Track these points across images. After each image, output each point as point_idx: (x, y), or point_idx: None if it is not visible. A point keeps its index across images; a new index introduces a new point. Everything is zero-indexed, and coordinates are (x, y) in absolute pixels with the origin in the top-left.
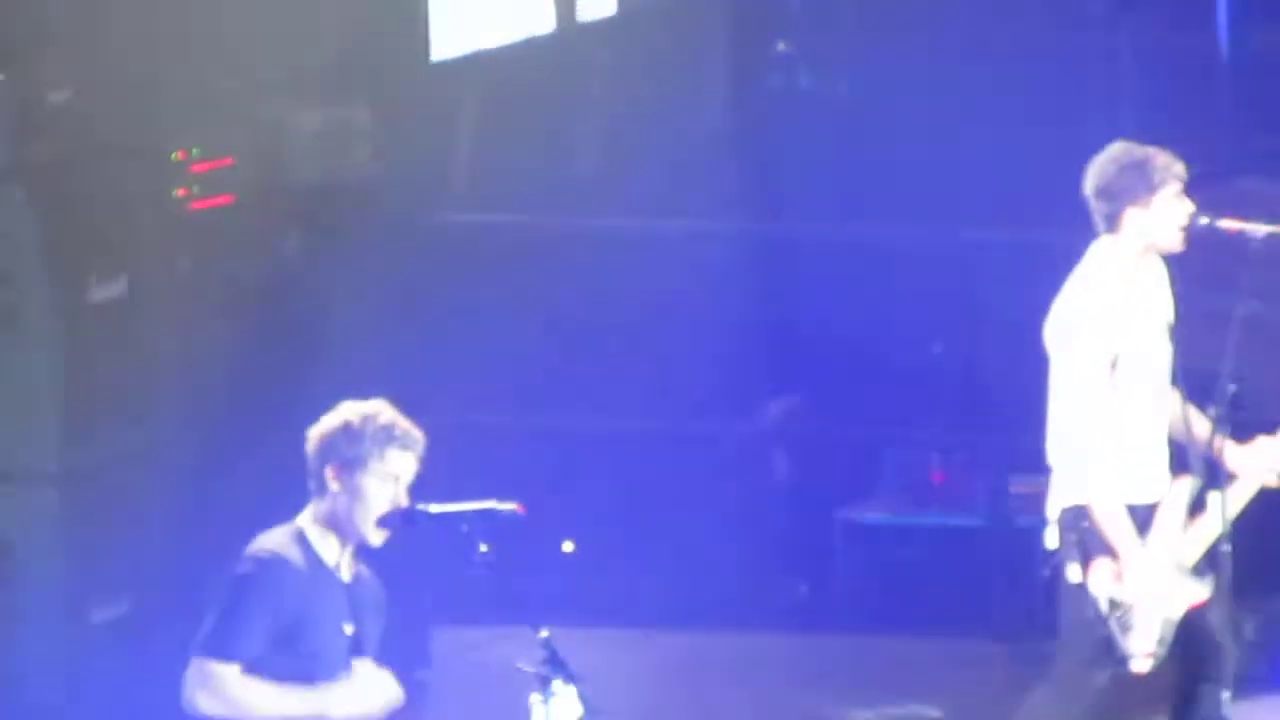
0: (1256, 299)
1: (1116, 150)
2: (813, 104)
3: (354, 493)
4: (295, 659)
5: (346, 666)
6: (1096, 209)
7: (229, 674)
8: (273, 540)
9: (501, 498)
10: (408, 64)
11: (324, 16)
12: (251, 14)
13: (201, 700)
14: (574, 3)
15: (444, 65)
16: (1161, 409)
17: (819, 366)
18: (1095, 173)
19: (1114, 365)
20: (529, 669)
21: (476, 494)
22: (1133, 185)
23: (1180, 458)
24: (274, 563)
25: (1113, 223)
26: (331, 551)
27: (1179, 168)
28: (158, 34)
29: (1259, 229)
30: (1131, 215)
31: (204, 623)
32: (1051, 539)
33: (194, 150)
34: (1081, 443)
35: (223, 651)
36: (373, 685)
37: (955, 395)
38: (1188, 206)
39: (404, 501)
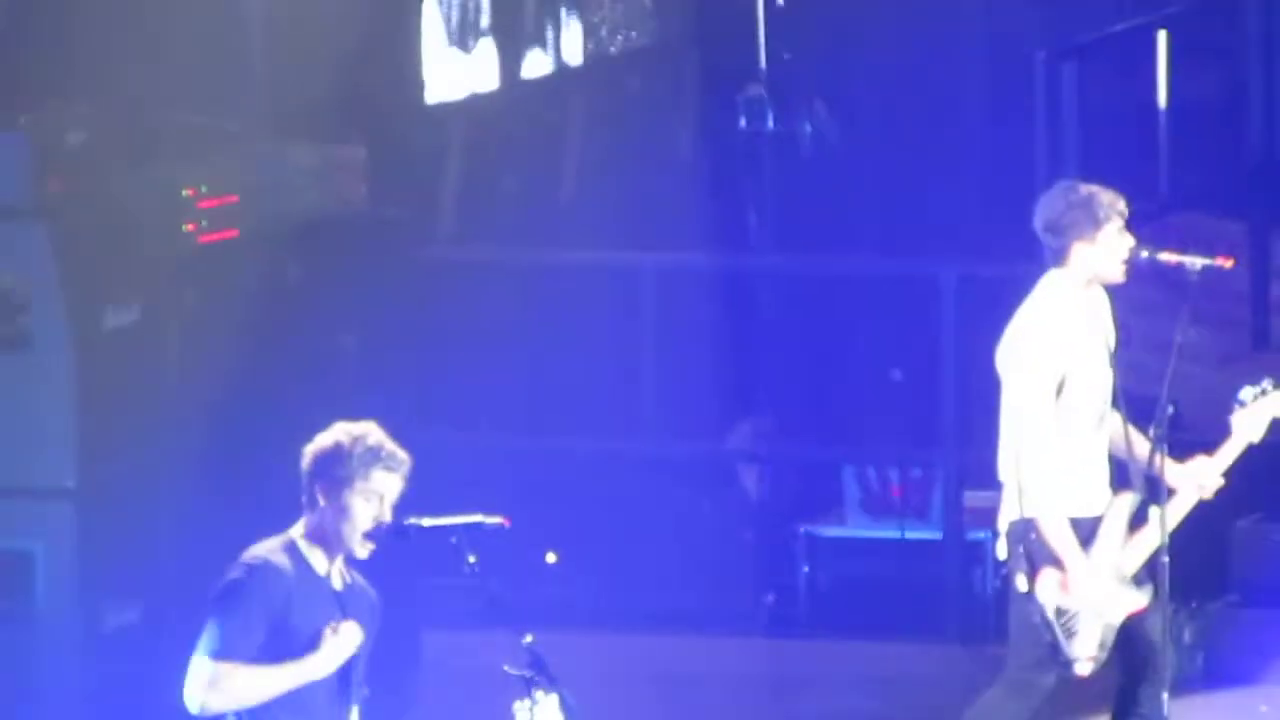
0: (1194, 327)
1: (1063, 189)
2: (779, 143)
3: (340, 509)
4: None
5: (348, 680)
6: (1046, 242)
7: (226, 669)
8: (264, 549)
9: (489, 511)
10: (400, 106)
11: (321, 64)
12: (254, 63)
13: (208, 698)
14: (556, 52)
15: (434, 107)
16: (1103, 429)
17: (789, 390)
18: (1044, 209)
19: (1060, 388)
20: (514, 672)
21: (465, 508)
22: (1079, 221)
23: (1121, 474)
24: (266, 569)
25: (1060, 257)
26: (321, 562)
27: (1121, 205)
28: (167, 81)
29: (1196, 261)
30: (1078, 249)
31: (204, 627)
32: (1001, 550)
33: (202, 188)
34: (1029, 460)
35: (221, 653)
36: (342, 634)
37: (913, 416)
38: (1129, 241)
39: (388, 518)
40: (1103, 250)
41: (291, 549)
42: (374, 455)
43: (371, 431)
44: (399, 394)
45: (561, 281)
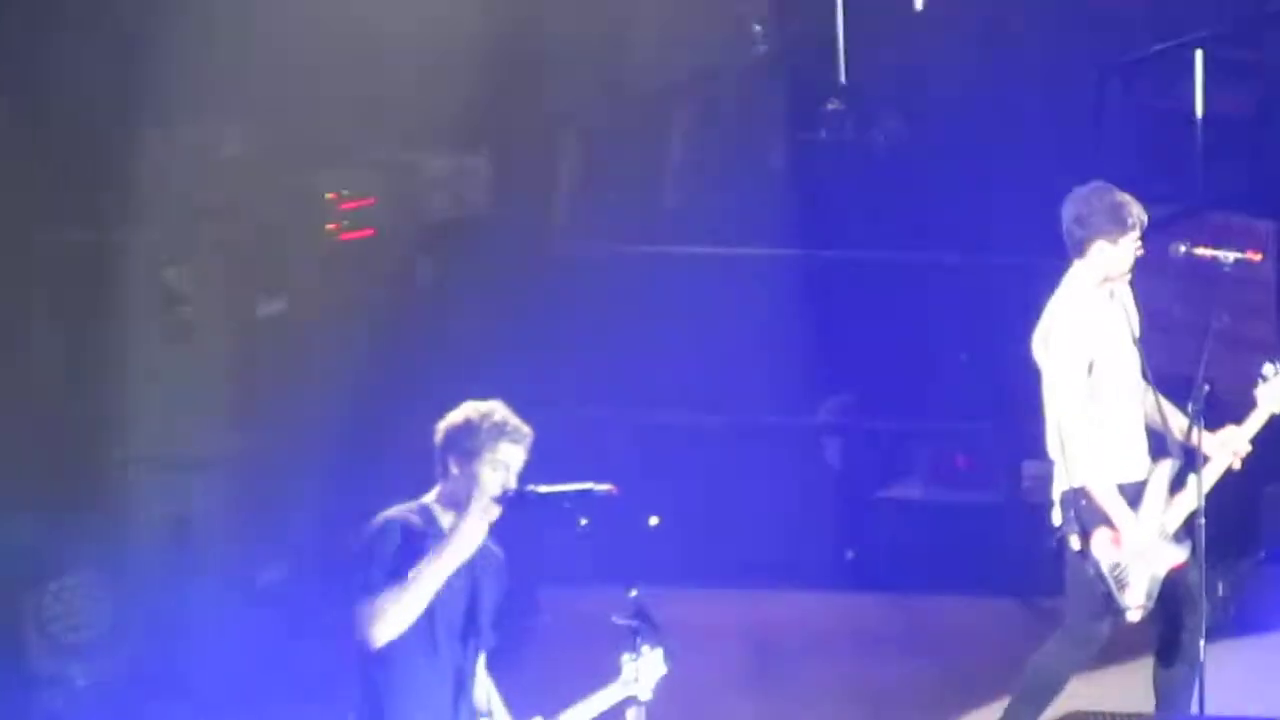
0: (1227, 313)
1: (1098, 190)
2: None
3: (470, 477)
4: (427, 627)
5: (472, 628)
6: (1071, 234)
7: (379, 602)
8: (398, 511)
9: (599, 480)
10: (522, 119)
11: (451, 80)
12: (390, 79)
13: (377, 632)
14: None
15: (554, 116)
16: (1136, 404)
17: (868, 370)
18: (1077, 205)
19: (1090, 369)
20: (621, 623)
21: (579, 477)
22: (1106, 222)
23: (1160, 445)
24: (404, 525)
25: (1081, 249)
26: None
27: (1144, 215)
28: (313, 97)
29: (1229, 255)
30: (1100, 246)
31: (352, 579)
32: (1056, 517)
33: (343, 192)
34: (1068, 433)
35: (373, 591)
36: (471, 519)
37: (977, 394)
38: (1140, 248)
39: (512, 485)
40: (1122, 251)
41: (424, 512)
42: (500, 429)
43: (497, 408)
44: (519, 374)
45: (668, 274)
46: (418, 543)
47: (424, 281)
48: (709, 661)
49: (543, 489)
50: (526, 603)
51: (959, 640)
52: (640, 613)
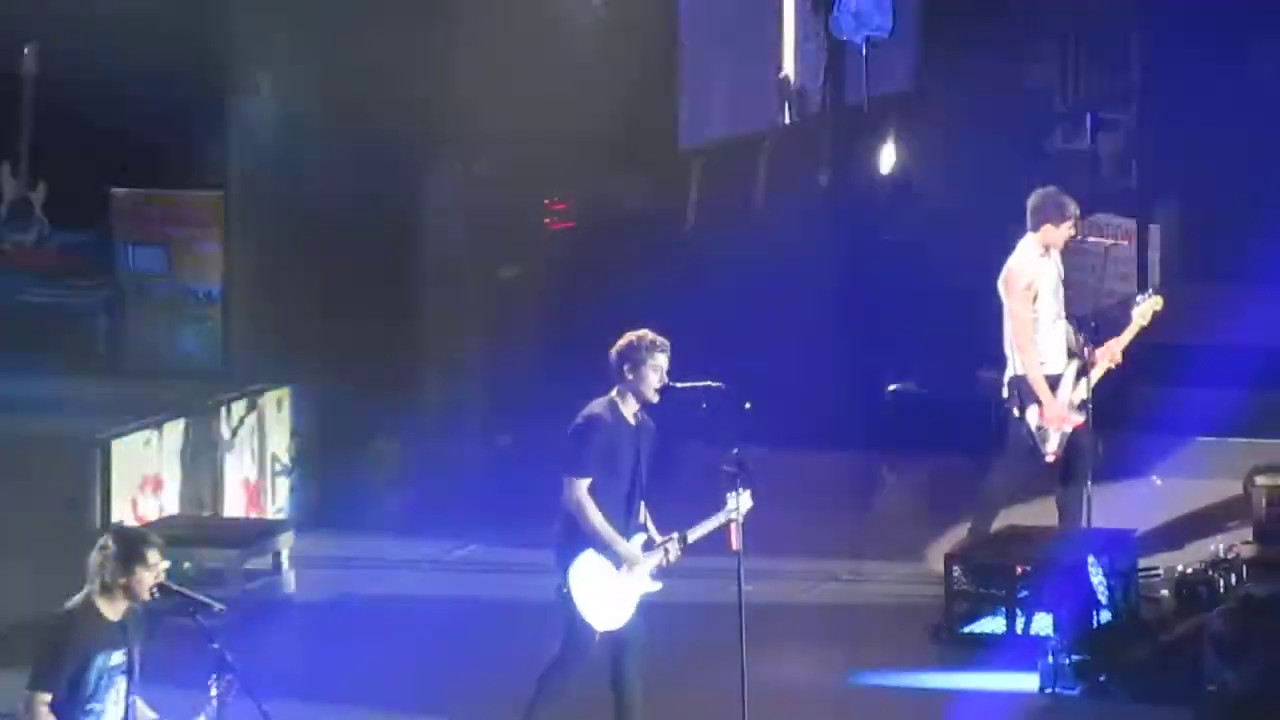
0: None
1: (1050, 190)
2: None
3: (640, 377)
4: (611, 475)
5: (637, 475)
6: (1030, 216)
7: (583, 485)
8: (597, 405)
9: (714, 379)
10: (663, 144)
11: (619, 123)
12: (581, 123)
13: (582, 501)
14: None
15: (687, 148)
16: (1059, 326)
17: (877, 321)
18: (1035, 198)
19: (1034, 300)
20: (728, 469)
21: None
22: (1051, 212)
23: (1069, 351)
24: (599, 416)
25: (1035, 226)
26: (629, 409)
27: (1078, 211)
28: (534, 134)
29: (1104, 241)
30: (1046, 227)
31: (567, 451)
32: (1005, 392)
33: (555, 195)
34: (1018, 341)
35: (581, 472)
36: None
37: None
38: (1074, 230)
39: (665, 380)
40: (1061, 231)
41: (610, 403)
42: (654, 345)
43: (647, 333)
44: (655, 316)
45: (766, 261)
46: (609, 429)
47: (601, 256)
48: (782, 496)
49: (679, 385)
50: (669, 459)
51: (939, 484)
52: (740, 463)
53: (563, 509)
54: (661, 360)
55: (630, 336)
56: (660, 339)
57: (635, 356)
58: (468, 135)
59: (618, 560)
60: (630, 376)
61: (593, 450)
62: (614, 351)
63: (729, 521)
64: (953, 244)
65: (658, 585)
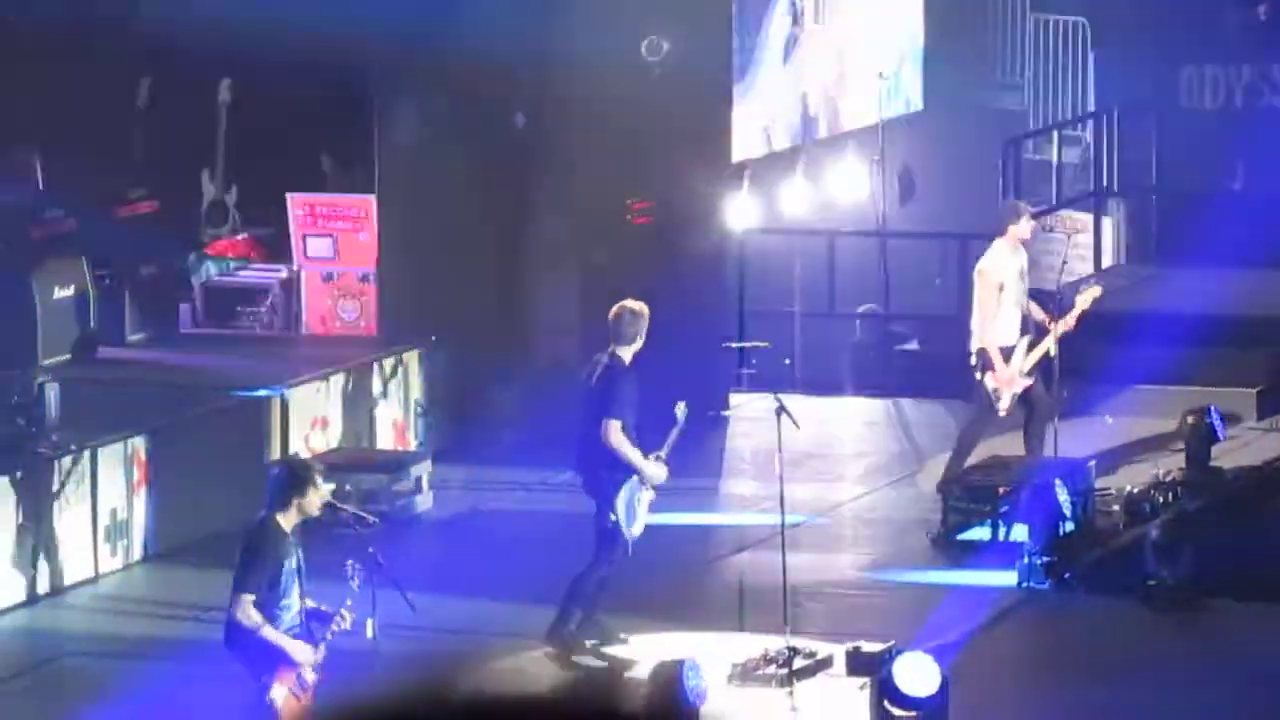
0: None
1: (1008, 201)
2: None
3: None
4: (634, 414)
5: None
6: (1000, 223)
7: (618, 425)
8: (623, 360)
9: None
10: (720, 156)
11: (679, 142)
12: (653, 140)
13: (613, 440)
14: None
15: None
16: (1018, 306)
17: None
18: (1001, 208)
19: (1000, 289)
20: (772, 409)
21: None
22: (1010, 215)
23: (1024, 326)
24: (633, 370)
25: (1002, 228)
26: (632, 356)
27: (1028, 206)
28: (619, 147)
29: (1068, 230)
30: (1010, 228)
31: (610, 401)
32: (973, 360)
33: (635, 197)
34: (983, 323)
35: (621, 413)
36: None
37: (941, 304)
38: (1033, 225)
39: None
40: (1022, 230)
41: (614, 355)
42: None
43: (632, 302)
44: (715, 293)
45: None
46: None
47: (671, 244)
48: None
49: (734, 344)
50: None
51: (928, 422)
52: (781, 405)
53: (601, 449)
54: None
55: (633, 306)
56: (641, 305)
57: (641, 324)
58: (569, 149)
59: (644, 480)
60: (639, 338)
61: (629, 398)
62: (627, 316)
63: (676, 430)
64: (948, 238)
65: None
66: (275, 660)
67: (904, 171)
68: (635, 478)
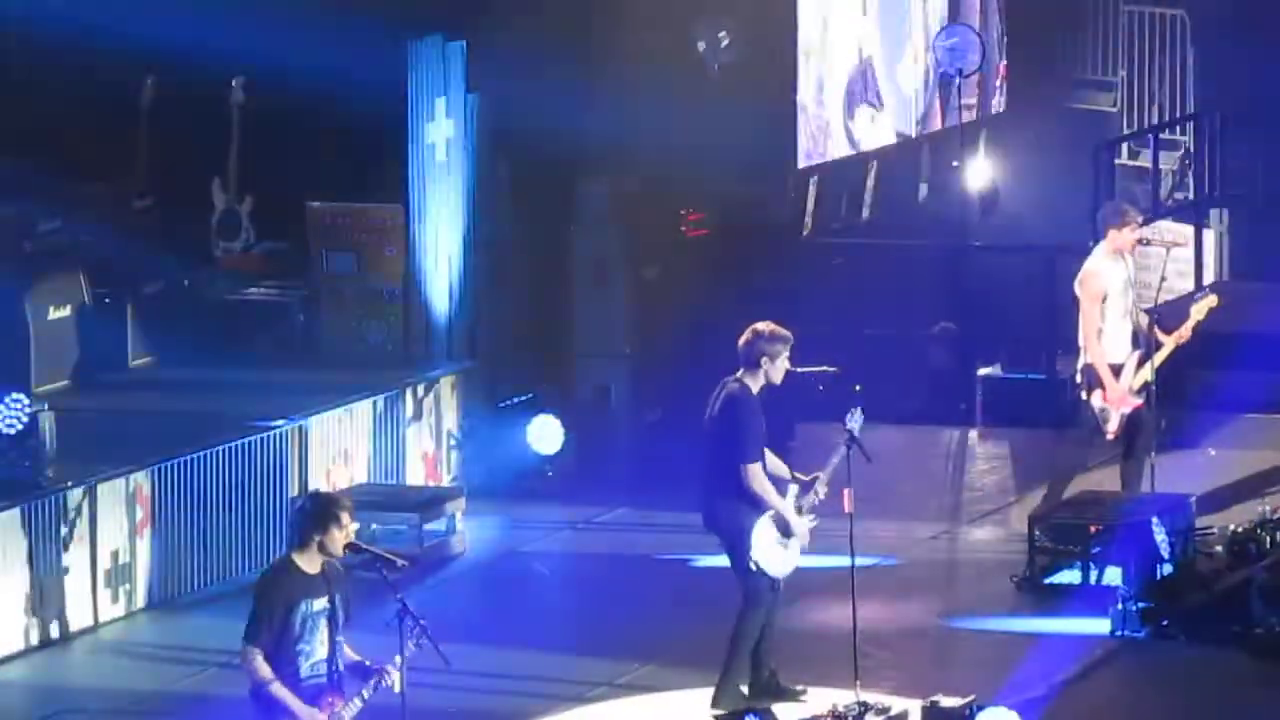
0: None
1: (1110, 201)
2: None
3: (772, 365)
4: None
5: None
6: (1099, 225)
7: (759, 470)
8: (743, 389)
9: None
10: (784, 163)
11: (742, 148)
12: (712, 153)
13: (755, 489)
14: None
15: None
16: (1126, 319)
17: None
18: (1104, 208)
19: (1103, 300)
20: (841, 441)
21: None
22: (1112, 218)
23: (1133, 341)
24: (754, 400)
25: (1102, 232)
26: (755, 389)
27: (1140, 217)
28: (673, 160)
29: (1169, 243)
30: (1110, 232)
31: (738, 444)
32: (1078, 378)
33: (689, 208)
34: (1087, 337)
35: (753, 457)
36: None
37: (1034, 318)
38: (1139, 233)
39: (789, 366)
40: (1126, 234)
41: (745, 387)
42: (784, 337)
43: (776, 326)
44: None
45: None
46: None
47: (730, 259)
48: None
49: (800, 369)
50: (788, 430)
51: (1026, 452)
52: (851, 435)
53: (734, 492)
54: (787, 349)
55: (763, 328)
56: (786, 331)
57: (769, 348)
58: (616, 157)
59: (788, 529)
60: (763, 364)
61: (758, 433)
62: (746, 341)
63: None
64: (1034, 249)
65: (815, 521)
66: (281, 711)
67: (986, 180)
68: (766, 519)
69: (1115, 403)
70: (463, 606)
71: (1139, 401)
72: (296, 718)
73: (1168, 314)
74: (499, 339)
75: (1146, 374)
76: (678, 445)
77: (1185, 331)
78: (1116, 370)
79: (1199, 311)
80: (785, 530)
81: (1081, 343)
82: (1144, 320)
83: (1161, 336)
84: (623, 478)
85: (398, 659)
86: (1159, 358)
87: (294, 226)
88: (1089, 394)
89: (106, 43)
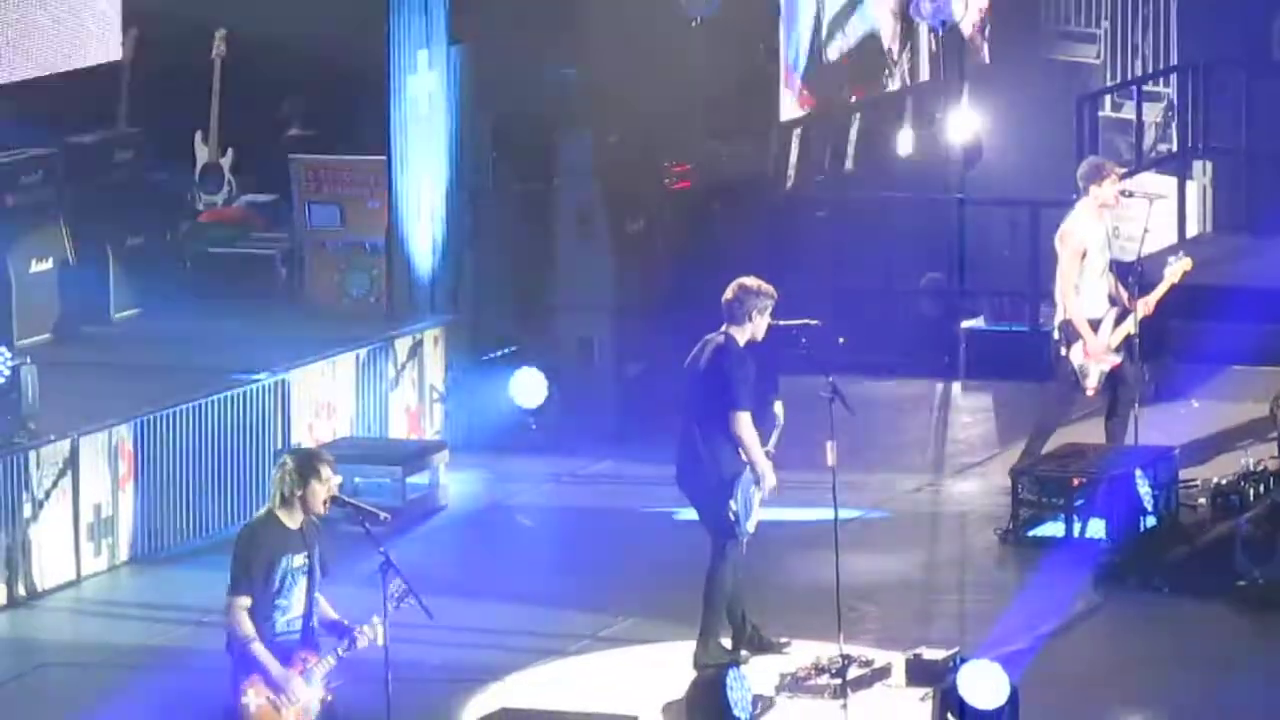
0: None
1: (1089, 158)
2: None
3: (757, 320)
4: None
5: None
6: (1079, 181)
7: (747, 418)
8: (730, 341)
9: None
10: (764, 113)
11: (725, 100)
12: (695, 102)
13: (742, 434)
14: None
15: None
16: (1104, 276)
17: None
18: (1082, 166)
19: (1083, 256)
20: (823, 394)
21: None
22: (1095, 174)
23: (1111, 300)
24: (744, 352)
25: (1085, 189)
26: (743, 343)
27: (1118, 170)
28: (657, 111)
29: (1149, 198)
30: (1093, 188)
31: (728, 392)
32: (1055, 334)
33: (673, 161)
34: (1065, 291)
35: (744, 404)
36: None
37: (1018, 271)
38: (1119, 187)
39: (770, 320)
40: (1105, 190)
41: (732, 338)
42: (767, 292)
43: (760, 281)
44: (760, 266)
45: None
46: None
47: (714, 212)
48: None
49: (783, 322)
50: (773, 385)
51: (1009, 404)
52: (834, 389)
53: (709, 439)
54: (771, 304)
55: (750, 283)
56: (770, 287)
57: (755, 302)
58: (600, 110)
59: (759, 480)
60: (747, 318)
61: (750, 383)
62: (734, 296)
63: (778, 431)
64: (1017, 201)
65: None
66: (257, 669)
67: (970, 132)
68: (749, 472)
69: (1094, 357)
70: (446, 560)
71: (1118, 360)
72: (270, 677)
73: (1149, 266)
74: (482, 292)
75: (1128, 327)
76: (661, 398)
77: (1158, 293)
78: (1095, 325)
79: (1172, 275)
80: (757, 481)
81: (1058, 299)
82: (1115, 281)
83: (1130, 303)
84: (606, 431)
85: (378, 616)
86: (1129, 322)
87: (277, 179)
88: (1068, 349)
89: None
